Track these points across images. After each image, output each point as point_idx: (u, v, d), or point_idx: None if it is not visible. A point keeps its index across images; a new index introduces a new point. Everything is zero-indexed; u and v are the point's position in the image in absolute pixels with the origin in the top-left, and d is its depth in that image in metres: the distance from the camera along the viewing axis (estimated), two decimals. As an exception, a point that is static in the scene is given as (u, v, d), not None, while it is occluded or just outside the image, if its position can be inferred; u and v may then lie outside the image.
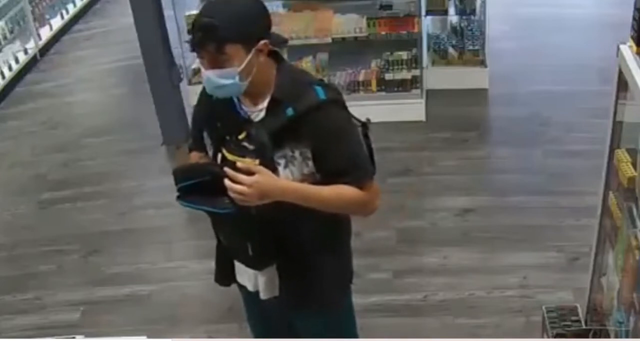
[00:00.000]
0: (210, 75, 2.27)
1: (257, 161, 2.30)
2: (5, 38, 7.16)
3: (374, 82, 5.75)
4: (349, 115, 2.42)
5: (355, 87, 5.76)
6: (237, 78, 2.25)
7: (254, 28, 2.27)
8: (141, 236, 4.82)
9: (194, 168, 2.41)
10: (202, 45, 2.22)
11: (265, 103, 2.36)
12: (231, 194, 2.22)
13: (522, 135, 5.41)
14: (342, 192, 2.36)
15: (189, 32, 2.28)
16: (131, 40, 5.90)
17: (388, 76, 5.73)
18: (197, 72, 5.78)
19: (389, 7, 5.70)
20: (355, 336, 2.84)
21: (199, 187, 2.31)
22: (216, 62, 2.24)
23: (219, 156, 2.42)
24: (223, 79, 2.26)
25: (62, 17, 8.26)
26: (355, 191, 2.36)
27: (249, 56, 2.25)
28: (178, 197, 2.36)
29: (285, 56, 2.47)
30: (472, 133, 5.51)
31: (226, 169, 2.24)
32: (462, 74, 6.00)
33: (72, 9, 8.47)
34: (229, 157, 2.37)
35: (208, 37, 2.20)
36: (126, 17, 6.03)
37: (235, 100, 2.40)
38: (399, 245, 4.47)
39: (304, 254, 2.49)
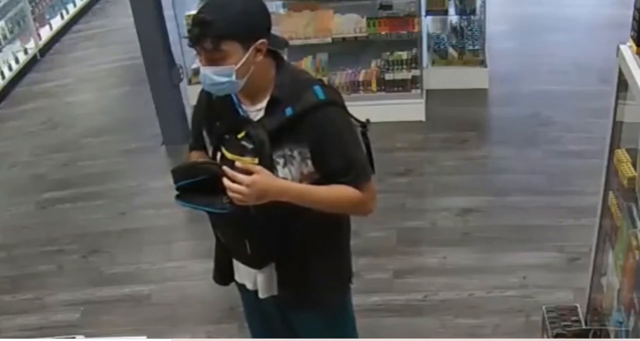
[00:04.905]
0: (207, 72, 2.27)
1: (256, 160, 2.30)
2: (5, 38, 7.17)
3: (374, 82, 5.75)
4: (347, 115, 2.42)
5: (355, 87, 5.76)
6: (233, 76, 2.25)
7: (252, 27, 2.27)
8: (141, 236, 4.82)
9: (192, 167, 2.41)
10: (198, 41, 2.23)
11: (264, 103, 2.36)
12: (230, 193, 2.23)
13: (522, 135, 5.41)
14: (339, 192, 2.36)
15: (189, 32, 2.28)
16: (131, 40, 5.91)
17: (388, 76, 5.73)
18: (197, 72, 5.76)
19: (389, 7, 5.70)
20: (355, 336, 2.84)
21: (197, 186, 2.31)
22: (213, 59, 2.24)
23: (218, 155, 2.42)
24: (219, 76, 2.26)
25: (62, 17, 8.27)
26: (353, 191, 2.36)
27: (246, 55, 2.25)
28: (177, 196, 2.36)
29: (285, 56, 2.47)
30: (472, 133, 5.50)
31: (225, 168, 2.24)
32: (462, 74, 6.00)
33: (72, 9, 8.48)
34: (228, 155, 2.37)
35: (204, 33, 2.20)
36: (126, 17, 6.03)
37: (235, 99, 2.40)
38: (399, 245, 4.47)
39: (302, 253, 2.50)
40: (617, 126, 2.68)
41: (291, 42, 5.10)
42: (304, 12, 5.81)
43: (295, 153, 2.34)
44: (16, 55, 7.33)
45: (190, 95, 5.72)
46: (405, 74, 5.72)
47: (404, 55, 5.73)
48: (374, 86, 5.76)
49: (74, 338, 2.73)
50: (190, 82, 6.07)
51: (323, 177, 2.37)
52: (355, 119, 2.44)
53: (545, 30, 6.85)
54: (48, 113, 6.57)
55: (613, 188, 2.73)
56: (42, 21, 7.87)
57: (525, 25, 7.02)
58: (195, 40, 2.23)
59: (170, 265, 4.53)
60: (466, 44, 6.02)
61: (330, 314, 2.68)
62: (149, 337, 2.72)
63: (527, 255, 4.26)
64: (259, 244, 2.47)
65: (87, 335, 2.93)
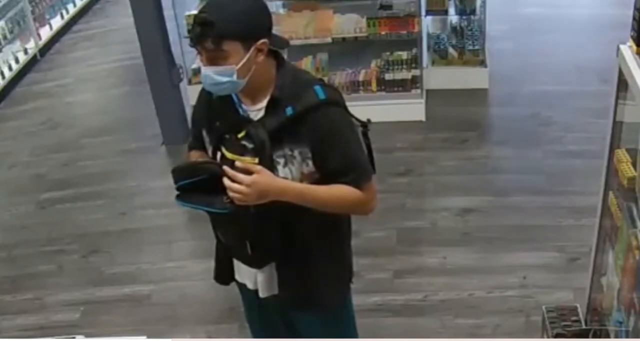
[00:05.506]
0: (208, 72, 2.27)
1: (256, 160, 2.30)
2: (5, 38, 7.17)
3: (374, 82, 5.75)
4: (348, 115, 2.42)
5: (355, 87, 5.76)
6: (234, 76, 2.26)
7: (253, 27, 2.27)
8: (141, 236, 4.82)
9: (192, 167, 2.42)
10: (199, 41, 2.23)
11: (264, 103, 2.36)
12: (230, 193, 2.23)
13: (522, 135, 5.41)
14: (340, 192, 2.36)
15: (189, 32, 2.29)
16: (131, 40, 5.91)
17: (388, 76, 5.73)
18: (197, 72, 5.78)
19: (389, 7, 5.70)
20: (355, 336, 2.84)
21: (197, 186, 2.31)
22: (214, 58, 2.24)
23: (218, 154, 2.42)
24: (220, 76, 2.26)
25: (62, 17, 8.27)
26: (354, 191, 2.37)
27: (248, 55, 2.25)
28: (177, 196, 2.36)
29: (285, 56, 2.47)
30: (472, 133, 5.51)
31: (225, 168, 2.24)
32: (462, 74, 6.00)
33: (72, 9, 8.49)
34: (228, 155, 2.37)
35: (206, 33, 2.21)
36: (126, 17, 6.04)
37: (235, 98, 2.41)
38: (399, 245, 4.47)
39: (303, 253, 2.50)
40: (617, 126, 2.68)
41: (291, 42, 5.09)
42: (304, 12, 5.82)
43: (296, 153, 2.34)
44: (16, 55, 7.33)
45: (190, 95, 5.72)
46: (405, 74, 5.72)
47: (404, 55, 5.74)
48: (374, 86, 5.76)
49: (74, 338, 2.72)
50: (190, 82, 6.07)
51: (324, 176, 2.37)
52: (356, 119, 2.45)
53: (545, 30, 6.85)
54: (48, 113, 6.57)
55: (613, 188, 2.73)
56: (42, 21, 7.87)
57: (526, 25, 7.01)
58: (196, 40, 2.23)
59: (170, 265, 4.53)
60: (466, 44, 6.02)
61: (330, 314, 2.68)
62: (149, 337, 2.71)
63: (527, 255, 4.26)
64: (259, 244, 2.46)
65: (87, 335, 2.92)
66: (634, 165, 2.50)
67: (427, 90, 5.86)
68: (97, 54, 7.65)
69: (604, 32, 6.14)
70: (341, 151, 2.36)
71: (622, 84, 2.54)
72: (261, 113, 2.36)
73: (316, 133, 2.32)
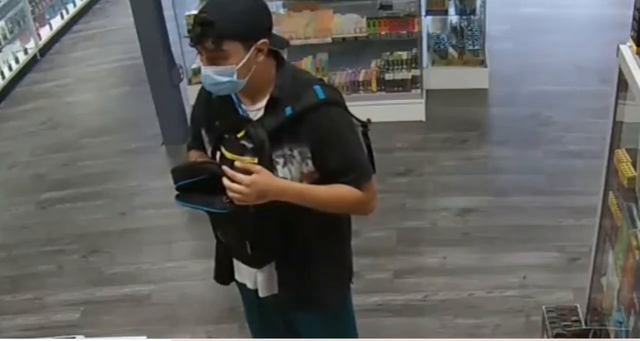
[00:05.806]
0: (208, 72, 2.27)
1: (256, 159, 2.30)
2: (5, 38, 7.17)
3: (374, 82, 5.75)
4: (348, 115, 2.42)
5: (355, 87, 5.76)
6: (234, 76, 2.26)
7: (253, 27, 2.27)
8: (141, 236, 4.82)
9: (192, 167, 2.42)
10: (200, 41, 2.24)
11: (264, 102, 2.36)
12: (229, 193, 2.23)
13: (522, 135, 5.41)
14: (340, 192, 2.36)
15: (189, 32, 2.29)
16: (131, 40, 5.91)
17: (388, 76, 5.73)
18: (197, 72, 5.78)
19: (389, 7, 5.70)
20: (355, 336, 2.84)
21: (197, 186, 2.32)
22: (214, 58, 2.25)
23: (218, 154, 2.42)
24: (220, 76, 2.26)
25: (62, 17, 8.27)
26: (354, 191, 2.37)
27: (248, 55, 2.25)
28: (177, 196, 2.37)
29: (285, 56, 2.47)
30: (472, 133, 5.51)
31: (224, 168, 2.25)
32: (462, 74, 6.00)
33: (72, 9, 8.49)
34: (228, 155, 2.37)
35: (206, 33, 2.21)
36: (126, 17, 6.04)
37: (235, 98, 2.41)
38: (399, 245, 4.47)
39: (303, 253, 2.50)
40: (617, 126, 2.68)
41: (291, 42, 5.09)
42: (304, 12, 5.82)
43: (296, 152, 2.34)
44: (16, 55, 7.33)
45: (190, 95, 5.71)
46: (405, 74, 5.72)
47: (404, 55, 5.74)
48: (374, 86, 5.76)
49: (74, 338, 2.72)
50: (190, 82, 6.07)
51: (323, 176, 2.37)
52: (356, 119, 2.45)
53: (545, 30, 6.85)
54: (48, 113, 6.57)
55: (613, 188, 2.73)
56: (42, 21, 7.87)
57: (526, 25, 7.01)
58: (196, 40, 2.24)
59: (170, 265, 4.53)
60: (466, 44, 6.02)
61: (330, 314, 2.68)
62: (149, 337, 2.71)
63: (527, 255, 4.26)
64: (259, 244, 2.47)
65: (87, 335, 2.93)
66: (634, 165, 2.50)
67: (427, 90, 5.86)
68: (97, 54, 7.65)
69: (604, 32, 6.14)
70: (341, 151, 2.36)
71: (622, 84, 2.54)
72: (260, 113, 2.36)
73: (316, 133, 2.32)
